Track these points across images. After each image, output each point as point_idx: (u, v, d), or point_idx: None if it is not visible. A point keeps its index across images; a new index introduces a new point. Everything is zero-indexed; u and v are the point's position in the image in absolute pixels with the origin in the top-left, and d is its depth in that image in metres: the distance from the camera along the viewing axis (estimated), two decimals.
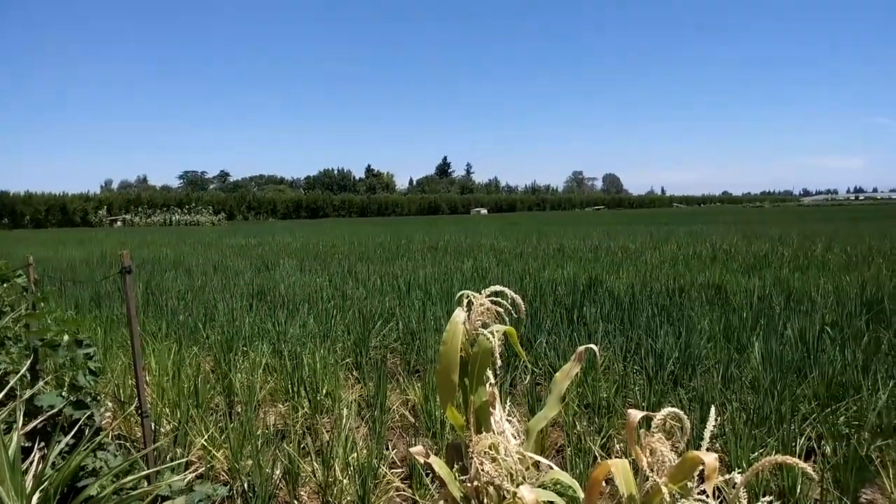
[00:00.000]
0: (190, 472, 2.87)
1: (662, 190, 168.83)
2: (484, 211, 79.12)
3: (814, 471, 2.60)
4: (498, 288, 1.36)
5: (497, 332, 1.32)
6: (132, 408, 3.19)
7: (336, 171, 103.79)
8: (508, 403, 3.02)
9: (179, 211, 51.31)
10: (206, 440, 2.96)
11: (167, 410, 3.38)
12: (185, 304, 6.19)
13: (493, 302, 1.37)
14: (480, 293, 1.36)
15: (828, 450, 2.68)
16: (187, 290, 7.20)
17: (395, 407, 3.49)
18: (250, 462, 2.68)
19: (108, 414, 3.51)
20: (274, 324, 5.00)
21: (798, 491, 2.36)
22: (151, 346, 4.33)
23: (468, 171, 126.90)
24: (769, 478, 2.46)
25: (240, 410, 3.44)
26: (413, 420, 3.34)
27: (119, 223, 47.83)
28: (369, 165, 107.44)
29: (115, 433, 3.31)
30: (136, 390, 2.68)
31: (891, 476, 2.35)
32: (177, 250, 14.60)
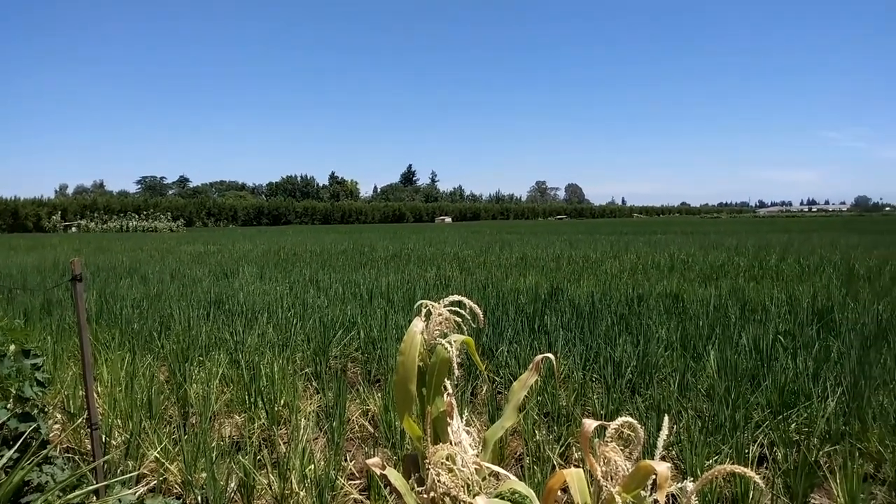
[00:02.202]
0: (142, 486, 2.79)
1: (623, 200, 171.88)
2: (448, 219, 79.29)
3: (766, 477, 2.67)
4: (456, 297, 1.36)
5: (455, 341, 1.31)
6: (81, 419, 3.09)
7: (299, 178, 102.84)
8: (467, 413, 3.02)
9: (137, 217, 50.11)
10: (159, 452, 2.88)
11: (119, 422, 3.29)
12: (141, 313, 6.04)
13: (451, 311, 1.36)
14: (439, 303, 1.36)
15: (779, 456, 2.75)
16: (143, 298, 7.03)
17: (354, 417, 3.46)
18: (204, 475, 2.62)
19: (57, 426, 3.40)
20: (232, 333, 4.91)
21: (750, 497, 2.40)
22: (104, 356, 4.21)
23: (433, 180, 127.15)
24: (723, 484, 2.51)
25: (195, 422, 3.36)
26: (373, 430, 3.31)
27: (74, 229, 46.49)
28: (333, 172, 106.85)
29: (64, 446, 3.20)
30: (86, 401, 2.60)
31: (838, 481, 2.41)
32: (133, 257, 14.25)
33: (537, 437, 2.99)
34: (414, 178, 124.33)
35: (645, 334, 4.51)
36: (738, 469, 0.93)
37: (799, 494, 2.47)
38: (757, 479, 0.90)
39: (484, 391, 3.78)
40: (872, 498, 2.53)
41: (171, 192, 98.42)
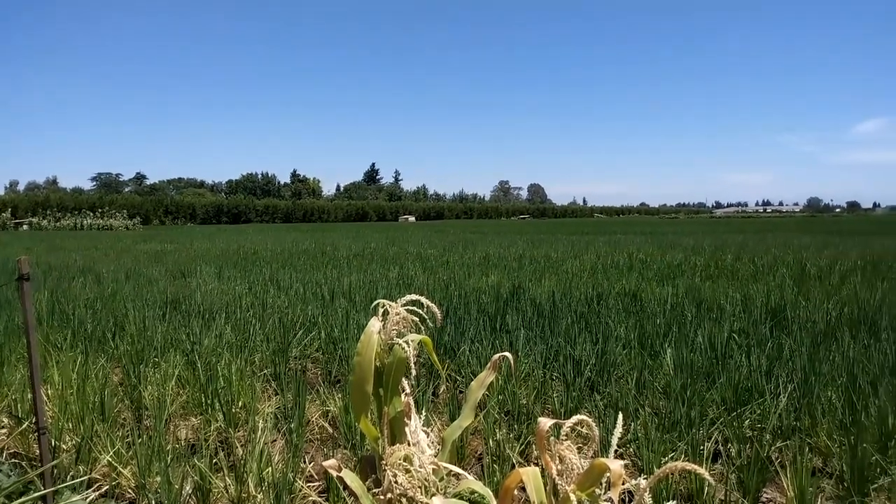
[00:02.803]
0: (93, 491, 2.72)
1: (584, 201, 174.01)
2: (412, 218, 79.13)
3: (720, 472, 2.73)
4: (414, 297, 1.35)
5: (413, 341, 1.31)
6: (29, 423, 2.99)
7: (260, 176, 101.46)
8: (426, 413, 3.01)
9: (92, 215, 48.69)
10: (111, 456, 2.81)
11: (70, 425, 3.19)
12: (94, 314, 5.88)
13: (409, 311, 1.36)
14: (396, 302, 1.35)
15: (733, 452, 2.81)
16: (97, 298, 6.84)
17: (314, 418, 3.42)
18: (159, 479, 2.56)
19: (4, 431, 3.28)
20: (188, 334, 4.82)
21: (705, 492, 2.45)
22: (55, 358, 4.09)
23: (397, 179, 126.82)
24: (678, 480, 2.55)
25: (149, 424, 3.28)
26: (333, 432, 3.28)
27: (25, 227, 44.98)
28: (295, 170, 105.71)
29: (11, 451, 3.10)
30: (34, 404, 2.52)
31: (788, 475, 2.48)
32: (87, 256, 13.87)
33: (498, 435, 3.00)
34: (377, 177, 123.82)
35: (604, 333, 4.57)
36: (690, 466, 0.95)
37: (752, 489, 2.53)
38: (706, 475, 0.92)
39: (445, 391, 3.78)
40: (821, 491, 2.60)
41: (127, 190, 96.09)
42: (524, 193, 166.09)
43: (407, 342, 1.28)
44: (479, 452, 3.08)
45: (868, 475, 2.55)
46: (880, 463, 2.65)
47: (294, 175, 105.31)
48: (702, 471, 0.92)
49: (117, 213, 50.20)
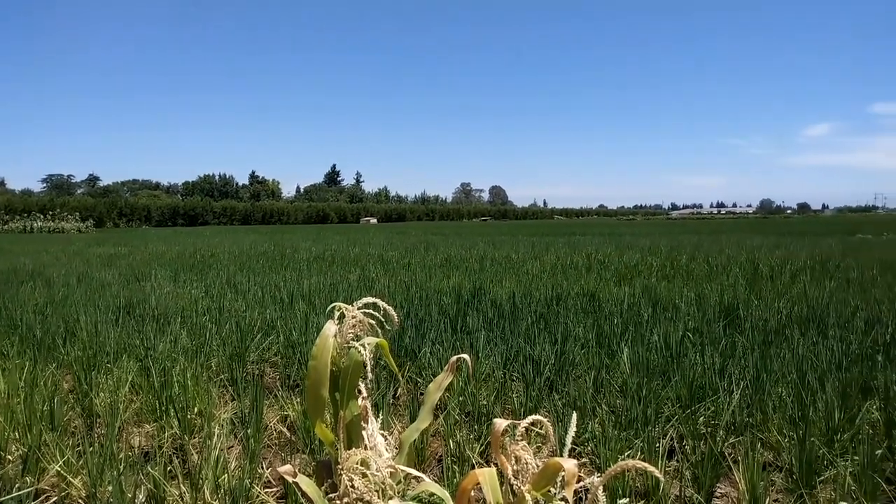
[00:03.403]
0: (40, 503, 2.63)
1: (545, 202, 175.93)
2: (374, 220, 78.82)
3: (675, 468, 2.78)
4: (370, 299, 1.35)
5: (369, 344, 1.30)
6: None
7: (217, 177, 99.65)
8: (383, 416, 3.00)
9: (42, 217, 47.16)
10: (61, 466, 2.72)
11: (16, 435, 3.08)
12: (44, 319, 5.69)
13: (365, 314, 1.35)
14: (353, 305, 1.34)
15: (688, 448, 2.87)
16: (47, 303, 6.64)
17: (272, 423, 3.38)
18: (111, 488, 2.49)
19: None
20: (143, 339, 4.71)
21: (661, 489, 2.50)
22: (1, 365, 3.95)
23: (358, 180, 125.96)
24: (635, 477, 2.60)
25: (102, 432, 3.19)
26: (291, 436, 3.24)
27: None
28: (254, 172, 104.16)
29: None
30: None
31: (741, 470, 2.54)
32: (37, 260, 13.42)
33: (458, 437, 3.01)
34: (338, 179, 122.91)
35: (563, 333, 4.62)
36: (640, 464, 0.97)
37: (705, 484, 2.58)
38: (656, 472, 0.93)
39: (405, 393, 3.77)
40: (772, 484, 2.67)
41: (79, 192, 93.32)
42: (486, 195, 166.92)
43: (363, 345, 1.28)
44: (439, 454, 3.08)
45: (815, 468, 2.63)
46: (827, 456, 2.74)
47: (253, 176, 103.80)
48: (652, 468, 0.94)
49: (69, 216, 48.72)
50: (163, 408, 3.42)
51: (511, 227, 47.13)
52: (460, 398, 3.45)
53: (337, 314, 1.35)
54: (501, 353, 4.25)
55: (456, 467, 2.71)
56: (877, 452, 2.70)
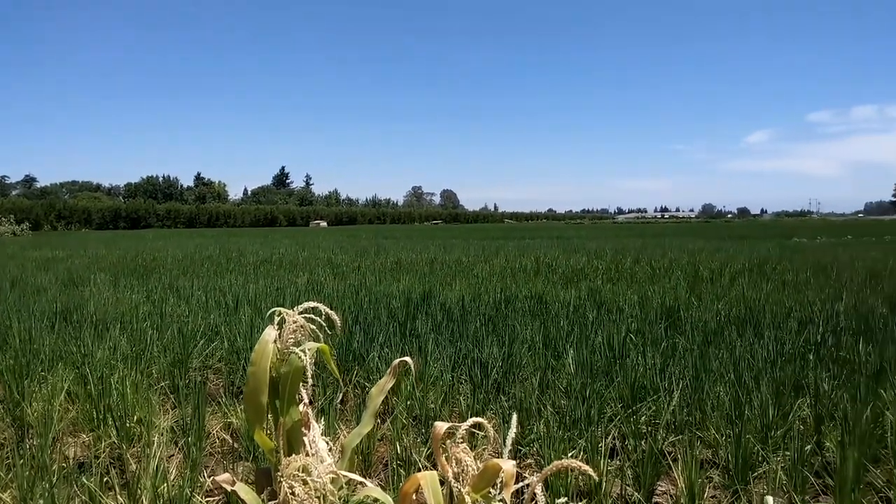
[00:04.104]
0: None
1: (495, 206, 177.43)
2: (324, 223, 78.10)
3: (617, 467, 2.84)
4: (312, 304, 1.34)
5: (310, 349, 1.29)
6: None
7: (161, 179, 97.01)
8: (330, 421, 2.98)
9: None
10: None
11: None
12: None
13: (307, 319, 1.34)
14: (293, 310, 1.33)
15: (630, 447, 2.94)
16: None
17: (215, 431, 3.30)
18: (42, 501, 2.40)
19: None
20: (80, 345, 4.54)
21: (603, 488, 2.55)
22: None
23: (308, 183, 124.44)
24: (578, 476, 2.64)
25: (34, 444, 3.07)
26: (234, 444, 3.18)
27: None
28: (199, 174, 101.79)
29: None
30: None
31: (680, 468, 2.62)
32: None
33: (405, 441, 3.00)
34: (287, 181, 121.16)
35: (510, 336, 4.66)
36: (574, 463, 0.99)
37: (646, 482, 2.65)
38: (590, 471, 0.96)
39: (352, 398, 3.75)
40: (709, 481, 2.76)
41: (14, 193, 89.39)
42: (437, 199, 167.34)
43: (304, 351, 1.27)
44: (386, 459, 3.07)
45: (751, 464, 2.73)
46: (761, 452, 2.84)
47: (198, 178, 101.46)
48: (586, 467, 0.96)
49: (3, 218, 46.55)
50: (100, 416, 3.31)
51: (462, 230, 47.36)
52: (408, 402, 3.45)
53: (277, 319, 1.33)
54: (450, 356, 4.26)
55: (402, 471, 2.70)
56: (806, 448, 2.82)
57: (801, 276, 8.88)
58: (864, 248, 16.31)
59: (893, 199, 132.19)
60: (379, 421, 3.36)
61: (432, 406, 3.43)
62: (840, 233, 31.22)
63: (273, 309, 1.35)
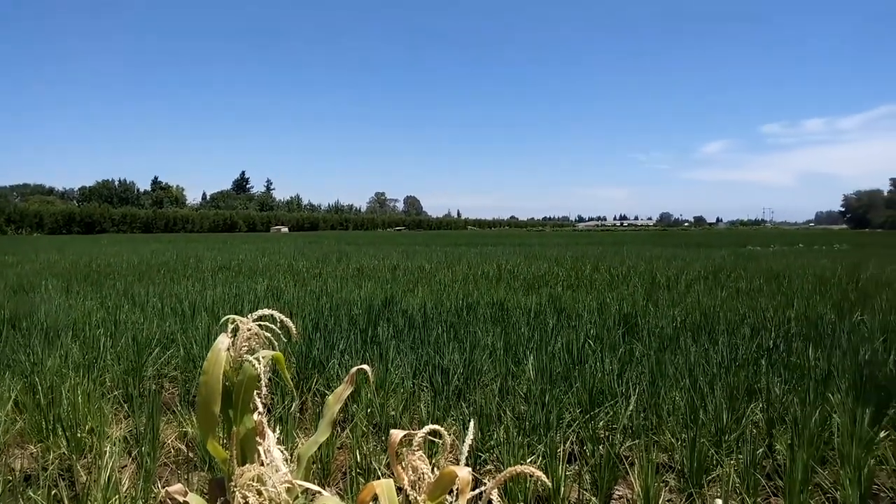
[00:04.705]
0: None
1: (458, 213, 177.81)
2: (285, 229, 77.30)
3: (575, 472, 2.87)
4: (267, 311, 1.32)
5: (264, 357, 1.27)
6: None
7: (117, 183, 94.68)
8: (288, 429, 2.94)
9: None
10: None
11: None
12: None
13: (261, 326, 1.32)
14: (247, 317, 1.31)
15: (588, 452, 2.97)
16: None
17: (170, 441, 3.23)
18: None
19: None
20: (29, 354, 4.40)
21: (561, 493, 2.57)
22: None
23: (268, 188, 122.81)
24: (536, 481, 2.66)
25: None
26: (190, 454, 3.12)
27: None
28: (157, 177, 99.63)
29: None
30: None
31: (636, 472, 2.66)
32: None
33: (365, 449, 2.98)
34: (248, 186, 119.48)
35: (472, 342, 4.68)
36: (528, 469, 0.99)
37: (604, 487, 2.68)
38: (543, 477, 0.96)
39: (311, 406, 3.71)
40: (665, 484, 2.80)
41: None
42: (400, 205, 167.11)
43: (258, 359, 1.25)
44: (345, 467, 3.04)
45: (705, 467, 2.79)
46: (715, 456, 2.90)
47: (155, 182, 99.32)
48: (539, 473, 0.97)
49: None
50: (50, 427, 3.21)
51: (425, 237, 47.35)
52: (368, 409, 3.43)
53: (231, 327, 1.31)
54: (411, 363, 4.25)
55: (362, 479, 2.68)
56: (758, 451, 2.89)
57: (755, 284, 9.12)
58: (814, 257, 16.84)
59: (842, 209, 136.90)
60: (338, 429, 3.33)
61: (393, 413, 3.42)
62: (792, 241, 32.18)
63: (227, 316, 1.32)
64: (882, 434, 3.06)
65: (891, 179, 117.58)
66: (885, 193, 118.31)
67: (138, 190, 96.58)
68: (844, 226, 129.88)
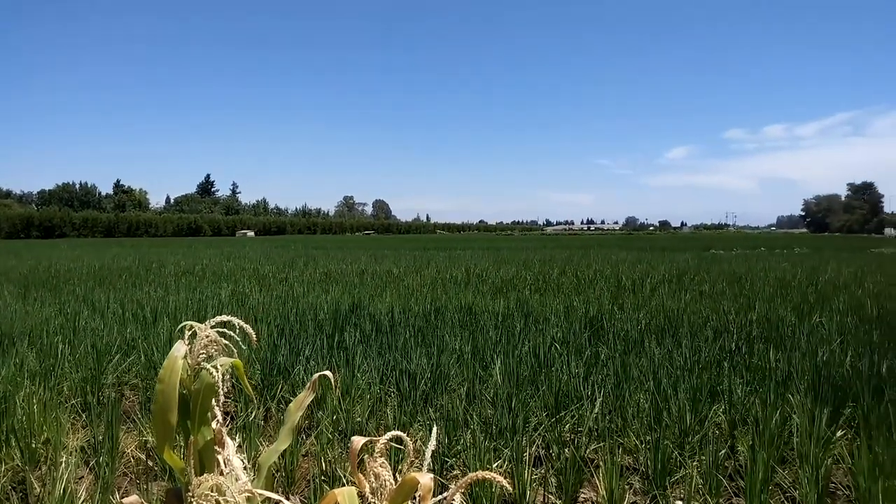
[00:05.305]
0: None
1: (427, 217, 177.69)
2: (251, 233, 76.40)
3: (541, 475, 2.88)
4: (225, 317, 1.29)
5: (223, 365, 1.25)
6: None
7: (78, 186, 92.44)
8: (250, 438, 2.89)
9: None
10: None
11: None
12: None
13: (220, 333, 1.29)
14: (205, 323, 1.28)
15: (554, 455, 2.98)
16: None
17: (130, 450, 3.15)
18: None
19: None
20: None
21: (527, 497, 2.58)
22: None
23: (234, 191, 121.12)
24: (502, 485, 2.66)
25: None
26: (151, 463, 3.05)
27: None
28: (119, 181, 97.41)
29: None
30: None
31: (601, 475, 2.67)
32: None
33: (329, 456, 2.95)
34: (213, 189, 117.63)
35: (439, 346, 4.67)
36: (489, 475, 0.99)
37: (569, 490, 2.69)
38: (504, 482, 0.96)
39: (275, 414, 3.66)
40: (630, 486, 2.83)
41: None
42: (369, 209, 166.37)
43: (216, 366, 1.22)
44: (310, 475, 3.01)
45: (669, 469, 2.82)
46: (679, 458, 2.94)
47: (118, 185, 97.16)
48: (499, 478, 0.97)
49: None
50: (2, 438, 3.11)
51: (394, 241, 47.23)
52: (334, 416, 3.40)
53: (189, 333, 1.28)
54: (378, 368, 4.22)
55: (327, 487, 2.65)
56: (721, 452, 2.93)
57: (718, 287, 9.29)
58: (775, 260, 17.23)
59: (802, 213, 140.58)
60: (304, 436, 3.29)
61: (359, 420, 3.39)
62: (754, 245, 32.91)
63: (184, 322, 1.29)
64: (839, 433, 3.13)
65: (848, 185, 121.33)
66: (843, 198, 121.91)
67: (100, 193, 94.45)
68: (805, 230, 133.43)
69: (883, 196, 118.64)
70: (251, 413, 3.48)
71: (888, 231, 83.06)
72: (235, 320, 1.29)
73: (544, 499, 2.63)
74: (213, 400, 1.25)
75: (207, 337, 1.26)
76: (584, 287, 9.35)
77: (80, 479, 2.86)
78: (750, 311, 6.67)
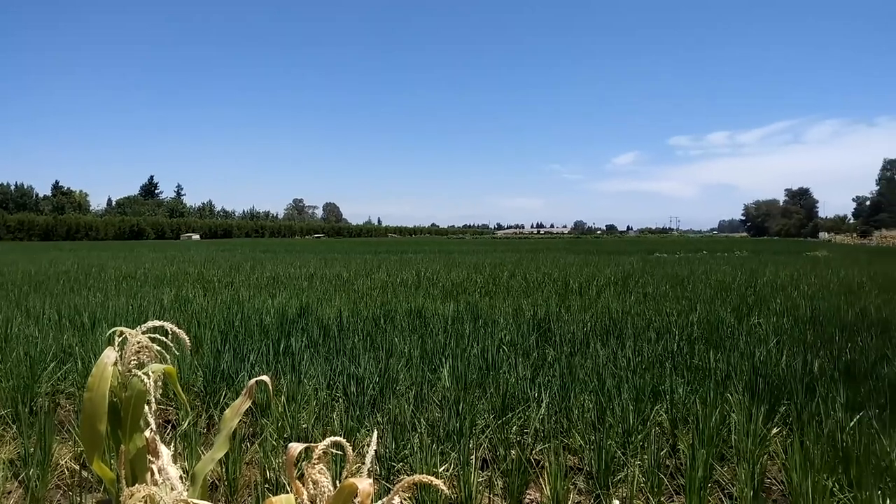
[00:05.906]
0: None
1: (379, 220, 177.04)
2: (196, 236, 74.68)
3: (488, 478, 2.89)
4: (157, 323, 1.26)
5: (155, 372, 1.21)
6: None
7: (13, 187, 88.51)
8: (191, 446, 2.82)
9: None
10: None
11: None
12: None
13: (151, 339, 1.25)
14: (136, 329, 1.24)
15: (500, 457, 2.99)
16: None
17: (64, 462, 3.03)
18: None
19: None
20: None
21: (473, 499, 2.58)
22: None
23: (179, 193, 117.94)
24: (452, 488, 2.66)
25: None
26: (86, 475, 2.93)
27: None
28: (58, 182, 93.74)
29: None
30: None
31: (546, 476, 2.70)
32: None
33: (274, 463, 2.90)
34: (156, 191, 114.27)
35: (388, 351, 4.64)
36: (426, 478, 0.99)
37: (515, 492, 2.71)
38: (441, 485, 0.96)
39: (218, 422, 3.57)
40: (574, 487, 2.86)
41: None
42: (320, 212, 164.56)
43: (148, 373, 1.18)
44: (254, 483, 2.94)
45: (612, 468, 2.87)
46: (622, 457, 2.99)
47: (56, 187, 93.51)
48: (437, 482, 0.96)
49: None
50: None
51: (345, 244, 46.84)
52: (279, 423, 3.34)
53: (119, 340, 1.24)
54: (325, 373, 4.17)
55: (271, 495, 2.59)
56: (662, 451, 3.00)
57: (661, 289, 9.51)
58: (716, 263, 17.77)
59: (743, 217, 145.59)
60: (247, 444, 3.22)
61: (305, 426, 3.34)
62: (697, 248, 33.88)
63: (113, 328, 1.25)
64: (774, 430, 3.25)
65: (786, 190, 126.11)
66: (781, 203, 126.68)
67: (37, 195, 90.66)
68: (745, 233, 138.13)
69: (818, 201, 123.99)
70: (194, 420, 3.39)
71: (822, 235, 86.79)
72: (168, 325, 1.25)
73: (490, 501, 2.64)
74: (146, 407, 1.21)
75: (139, 343, 1.22)
76: (532, 290, 9.45)
77: (7, 493, 2.73)
78: (691, 312, 6.86)
